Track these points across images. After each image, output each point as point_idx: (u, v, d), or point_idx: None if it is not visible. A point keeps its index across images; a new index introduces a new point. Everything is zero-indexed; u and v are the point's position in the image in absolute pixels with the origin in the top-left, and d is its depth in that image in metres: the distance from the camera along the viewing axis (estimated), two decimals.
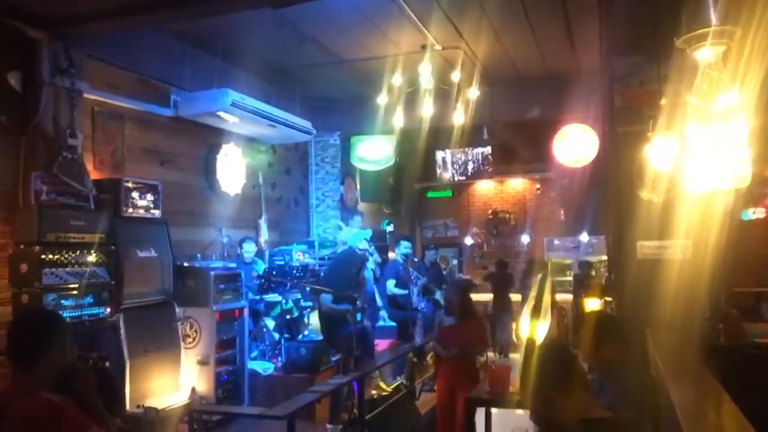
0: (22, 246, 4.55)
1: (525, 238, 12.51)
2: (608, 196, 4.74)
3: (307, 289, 7.04)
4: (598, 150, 7.63)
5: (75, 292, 4.63)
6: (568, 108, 7.82)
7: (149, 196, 5.49)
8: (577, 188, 10.82)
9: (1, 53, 4.76)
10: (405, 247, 8.28)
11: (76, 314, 4.60)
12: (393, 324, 7.85)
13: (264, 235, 7.78)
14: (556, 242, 12.00)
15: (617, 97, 4.90)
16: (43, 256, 4.46)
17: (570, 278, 10.82)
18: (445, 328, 5.57)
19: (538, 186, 12.54)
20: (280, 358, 6.50)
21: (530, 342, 4.11)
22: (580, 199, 11.15)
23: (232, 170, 7.31)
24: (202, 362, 5.66)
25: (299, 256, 7.75)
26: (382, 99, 6.71)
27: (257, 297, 6.68)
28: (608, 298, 6.13)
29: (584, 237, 11.53)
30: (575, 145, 7.90)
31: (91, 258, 4.80)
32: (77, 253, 4.71)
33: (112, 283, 4.95)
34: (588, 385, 2.52)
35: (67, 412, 2.23)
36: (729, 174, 2.69)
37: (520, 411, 4.09)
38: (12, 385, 2.34)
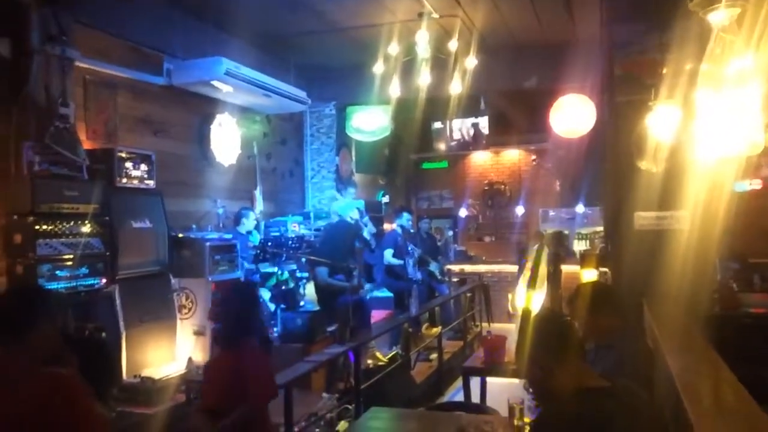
0: (15, 217, 4.50)
1: (520, 210, 12.49)
2: (606, 166, 4.72)
3: (303, 260, 7.03)
4: (595, 120, 7.58)
5: (70, 263, 4.60)
6: (565, 78, 7.73)
7: (143, 167, 5.44)
8: (573, 159, 10.77)
9: None
10: (406, 219, 8.27)
11: (71, 285, 4.58)
12: (389, 294, 7.87)
13: (259, 206, 7.75)
14: (552, 213, 12.00)
15: (617, 65, 4.83)
16: (37, 227, 4.42)
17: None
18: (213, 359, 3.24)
19: (534, 157, 12.47)
20: (276, 329, 6.52)
21: (526, 311, 4.13)
22: (576, 170, 11.11)
23: (227, 140, 7.24)
24: (198, 333, 5.68)
25: (295, 227, 7.72)
26: (378, 68, 6.59)
27: (253, 268, 6.67)
28: (604, 269, 6.15)
29: (580, 208, 11.53)
30: (572, 115, 7.81)
31: (86, 228, 4.76)
32: (71, 224, 4.67)
33: (107, 253, 4.92)
34: (585, 354, 2.52)
35: (78, 386, 2.13)
36: (742, 140, 2.64)
37: (515, 380, 4.10)
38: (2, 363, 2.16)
